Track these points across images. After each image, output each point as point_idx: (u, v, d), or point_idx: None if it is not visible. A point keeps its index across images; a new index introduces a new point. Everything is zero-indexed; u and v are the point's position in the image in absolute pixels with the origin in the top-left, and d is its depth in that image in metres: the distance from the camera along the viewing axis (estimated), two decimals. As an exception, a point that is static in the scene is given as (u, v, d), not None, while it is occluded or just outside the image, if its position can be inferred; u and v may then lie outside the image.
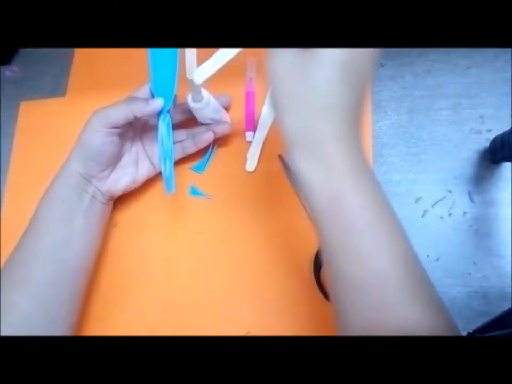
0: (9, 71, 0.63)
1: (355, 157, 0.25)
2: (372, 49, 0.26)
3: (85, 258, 0.41)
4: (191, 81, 0.39)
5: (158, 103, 0.40)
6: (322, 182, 0.25)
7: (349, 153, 0.25)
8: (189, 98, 0.42)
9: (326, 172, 0.24)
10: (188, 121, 0.46)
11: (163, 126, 0.40)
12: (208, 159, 0.48)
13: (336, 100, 0.24)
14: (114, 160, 0.42)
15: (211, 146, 0.48)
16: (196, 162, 0.48)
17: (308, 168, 0.25)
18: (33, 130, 0.58)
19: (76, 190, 0.39)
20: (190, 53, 0.38)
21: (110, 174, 0.42)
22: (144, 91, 0.43)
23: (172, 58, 0.39)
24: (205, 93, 0.42)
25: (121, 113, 0.38)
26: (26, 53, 0.63)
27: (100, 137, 0.39)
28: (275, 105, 0.26)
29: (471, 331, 0.34)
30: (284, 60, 0.25)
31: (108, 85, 0.57)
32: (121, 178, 0.43)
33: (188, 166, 0.48)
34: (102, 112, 0.39)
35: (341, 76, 0.24)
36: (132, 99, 0.40)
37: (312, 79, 0.24)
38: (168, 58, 0.39)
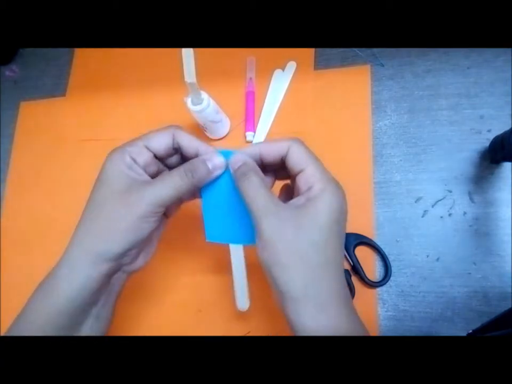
0: (9, 71, 0.63)
1: (354, 314, 0.27)
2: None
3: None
4: (191, 84, 0.38)
5: (219, 161, 0.31)
6: (326, 333, 0.26)
7: (351, 311, 0.27)
8: (188, 102, 0.42)
9: (335, 330, 0.26)
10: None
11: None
12: None
13: (335, 256, 0.27)
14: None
15: None
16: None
17: (315, 324, 0.25)
18: (33, 130, 0.58)
19: (94, 284, 0.28)
20: (188, 55, 0.37)
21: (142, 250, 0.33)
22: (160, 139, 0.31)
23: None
24: (204, 95, 0.42)
25: (174, 192, 0.29)
26: (26, 53, 0.63)
27: (151, 225, 0.29)
28: (271, 266, 0.26)
29: (471, 331, 0.34)
30: (276, 223, 0.26)
31: (107, 85, 0.57)
32: (153, 246, 0.34)
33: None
34: (151, 196, 0.28)
35: (336, 233, 0.27)
36: (186, 166, 0.30)
37: (310, 239, 0.26)
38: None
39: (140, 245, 0.30)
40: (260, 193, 0.27)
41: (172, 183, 0.29)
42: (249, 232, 0.31)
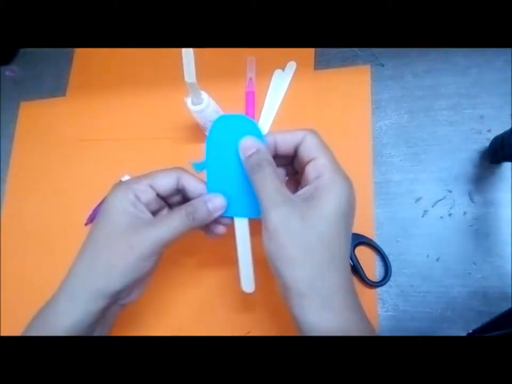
0: (9, 71, 0.63)
1: (359, 309, 0.27)
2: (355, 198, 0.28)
3: None
4: (191, 84, 0.38)
5: (219, 202, 0.31)
6: (334, 332, 0.25)
7: (357, 305, 0.27)
8: (188, 102, 0.42)
9: (340, 325, 0.25)
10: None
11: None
12: None
13: (341, 250, 0.26)
14: None
15: None
16: (197, 160, 0.48)
17: (320, 319, 0.25)
18: (33, 130, 0.58)
19: (91, 318, 0.29)
20: (187, 55, 0.37)
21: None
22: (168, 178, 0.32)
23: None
24: (204, 95, 0.42)
25: (175, 234, 0.30)
26: (26, 53, 0.64)
27: (151, 264, 0.30)
28: (277, 259, 0.26)
29: (471, 331, 0.34)
30: (284, 214, 0.26)
31: (107, 85, 0.57)
32: (148, 280, 0.34)
33: (188, 161, 0.47)
34: (153, 238, 0.29)
35: (343, 226, 0.26)
36: (187, 208, 0.31)
37: (317, 232, 0.25)
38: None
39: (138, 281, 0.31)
40: (270, 183, 0.27)
41: (173, 225, 0.30)
42: (254, 205, 0.30)
